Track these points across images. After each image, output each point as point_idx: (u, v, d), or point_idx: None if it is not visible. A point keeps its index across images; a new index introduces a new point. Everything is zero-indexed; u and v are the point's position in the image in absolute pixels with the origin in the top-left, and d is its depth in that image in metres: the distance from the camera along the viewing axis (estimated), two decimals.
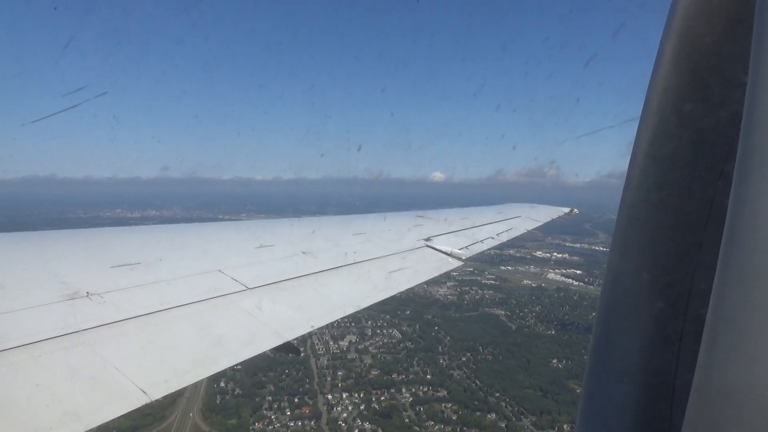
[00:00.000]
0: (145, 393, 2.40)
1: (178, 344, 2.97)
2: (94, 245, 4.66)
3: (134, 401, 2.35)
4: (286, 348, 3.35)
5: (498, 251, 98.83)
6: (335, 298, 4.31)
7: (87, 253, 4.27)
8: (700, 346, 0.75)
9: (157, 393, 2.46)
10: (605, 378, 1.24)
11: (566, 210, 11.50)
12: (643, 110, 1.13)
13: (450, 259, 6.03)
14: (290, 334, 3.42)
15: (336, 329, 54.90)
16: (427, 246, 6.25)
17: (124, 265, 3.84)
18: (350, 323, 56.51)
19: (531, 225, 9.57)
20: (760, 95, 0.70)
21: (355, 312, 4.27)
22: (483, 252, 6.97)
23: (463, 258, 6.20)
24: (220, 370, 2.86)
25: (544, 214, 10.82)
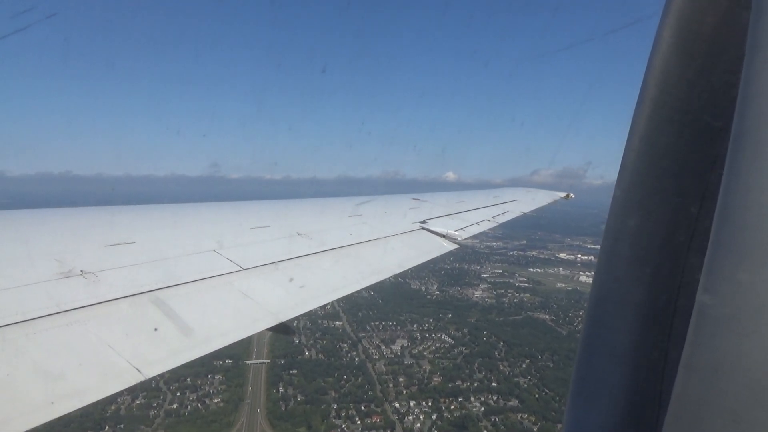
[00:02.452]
0: (139, 371, 2.38)
1: (172, 324, 2.89)
2: (89, 224, 4.54)
3: (128, 379, 2.33)
4: (281, 329, 3.29)
5: (521, 252, 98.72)
6: (331, 280, 4.22)
7: (82, 231, 4.17)
8: (690, 321, 0.77)
9: (151, 372, 2.42)
10: (596, 360, 1.23)
11: (562, 194, 11.25)
12: (639, 97, 1.11)
13: (445, 241, 5.92)
14: (285, 315, 3.34)
15: (383, 332, 53.72)
16: (423, 228, 6.13)
17: (119, 244, 3.74)
18: (396, 326, 55.31)
19: (527, 208, 9.41)
20: (755, 85, 0.71)
21: (352, 294, 4.14)
22: (478, 234, 6.86)
23: (459, 240, 6.10)
24: (213, 350, 2.79)
25: (541, 198, 10.58)
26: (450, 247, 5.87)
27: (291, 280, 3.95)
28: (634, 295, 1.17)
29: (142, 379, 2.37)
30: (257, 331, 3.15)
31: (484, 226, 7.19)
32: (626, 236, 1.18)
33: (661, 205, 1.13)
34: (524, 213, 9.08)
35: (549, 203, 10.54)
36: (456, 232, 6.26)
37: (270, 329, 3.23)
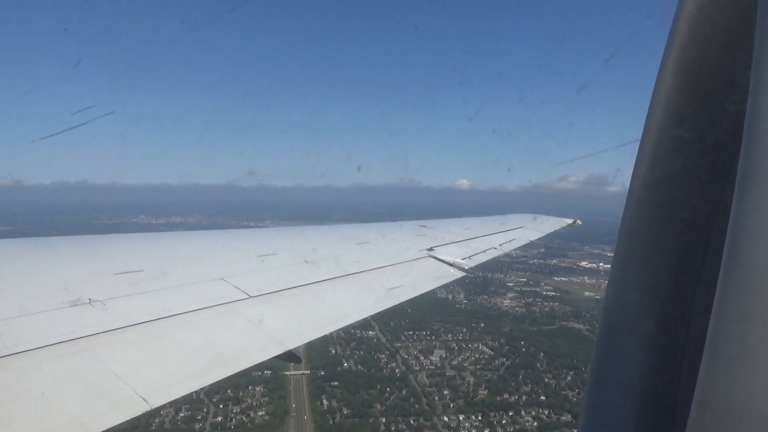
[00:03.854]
0: (145, 401, 2.35)
1: (179, 352, 2.88)
2: (98, 252, 4.53)
3: (135, 409, 2.30)
4: (288, 357, 3.26)
5: (542, 261, 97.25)
6: (337, 308, 4.18)
7: (90, 259, 4.17)
8: (701, 360, 0.74)
9: (158, 401, 2.40)
10: (607, 390, 1.21)
11: (569, 221, 11.13)
12: (646, 121, 1.09)
13: (452, 269, 5.87)
14: (292, 343, 3.31)
15: (419, 342, 52.61)
16: (430, 256, 6.08)
17: (127, 272, 3.73)
18: (431, 336, 54.20)
19: (534, 235, 9.33)
20: (762, 105, 0.70)
21: (361, 320, 4.13)
22: (485, 262, 6.79)
23: (466, 268, 6.02)
24: (221, 378, 2.76)
25: (548, 224, 10.55)
26: (457, 275, 5.78)
27: (298, 308, 3.89)
28: (643, 324, 1.13)
29: (148, 408, 2.33)
30: (264, 359, 3.09)
31: (491, 254, 7.12)
32: (634, 264, 1.14)
33: (670, 233, 1.09)
34: (531, 241, 8.98)
35: (556, 230, 10.46)
36: (463, 261, 6.19)
37: (277, 357, 3.18)
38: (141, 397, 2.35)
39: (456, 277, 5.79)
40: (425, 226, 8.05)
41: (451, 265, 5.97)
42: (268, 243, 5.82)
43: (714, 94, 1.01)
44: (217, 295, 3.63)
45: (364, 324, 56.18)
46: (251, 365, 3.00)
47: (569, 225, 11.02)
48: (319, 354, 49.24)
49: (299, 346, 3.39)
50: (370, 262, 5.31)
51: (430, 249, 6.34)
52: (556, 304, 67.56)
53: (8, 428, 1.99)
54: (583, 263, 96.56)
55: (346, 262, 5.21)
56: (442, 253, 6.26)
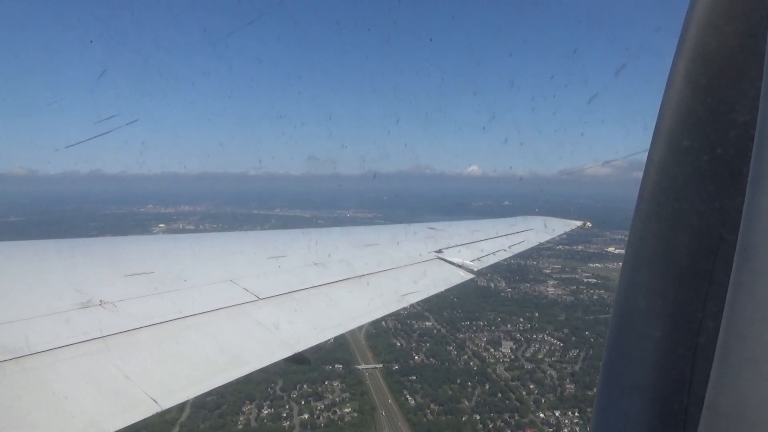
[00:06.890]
0: (155, 402, 2.34)
1: (189, 354, 2.87)
2: (109, 254, 4.51)
3: (145, 410, 2.28)
4: (297, 359, 3.24)
5: (568, 247, 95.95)
6: (346, 310, 4.14)
7: (101, 261, 4.15)
8: (712, 364, 0.75)
9: (168, 402, 2.38)
10: (618, 392, 1.19)
11: (579, 223, 11.01)
12: (656, 124, 1.09)
13: (461, 271, 5.82)
14: (301, 345, 3.30)
15: (481, 333, 51.19)
16: (439, 258, 6.04)
17: (138, 274, 3.72)
18: (491, 327, 52.79)
19: (543, 237, 9.30)
20: None
21: (371, 322, 4.13)
22: (494, 264, 6.72)
23: (475, 270, 5.97)
24: (230, 380, 2.75)
25: (557, 227, 10.52)
26: (467, 276, 5.75)
27: (307, 310, 3.86)
28: (654, 327, 1.11)
29: (158, 409, 2.32)
30: (274, 361, 3.07)
31: (500, 256, 7.10)
32: (646, 265, 1.12)
33: (682, 236, 1.07)
34: (540, 243, 8.97)
35: (565, 232, 10.40)
36: (472, 263, 6.12)
37: (287, 360, 3.15)
38: (151, 398, 2.35)
39: (465, 279, 5.69)
40: (434, 228, 8.00)
41: (459, 266, 5.91)
42: (277, 245, 5.81)
43: (724, 100, 0.97)
44: (226, 297, 3.62)
45: (418, 314, 54.70)
46: (260, 367, 2.96)
47: (579, 227, 10.88)
48: (386, 347, 47.63)
49: (308, 348, 3.34)
50: (378, 265, 5.26)
51: (439, 251, 6.26)
52: (602, 291, 66.24)
53: (22, 427, 1.99)
54: (610, 249, 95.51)
55: (355, 264, 5.19)
56: (451, 255, 6.16)
